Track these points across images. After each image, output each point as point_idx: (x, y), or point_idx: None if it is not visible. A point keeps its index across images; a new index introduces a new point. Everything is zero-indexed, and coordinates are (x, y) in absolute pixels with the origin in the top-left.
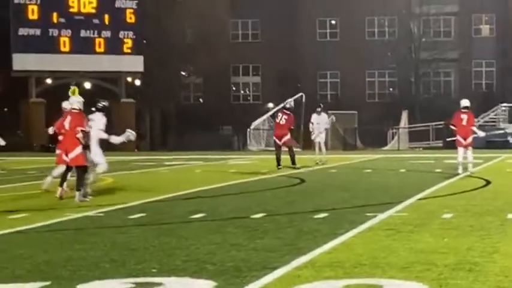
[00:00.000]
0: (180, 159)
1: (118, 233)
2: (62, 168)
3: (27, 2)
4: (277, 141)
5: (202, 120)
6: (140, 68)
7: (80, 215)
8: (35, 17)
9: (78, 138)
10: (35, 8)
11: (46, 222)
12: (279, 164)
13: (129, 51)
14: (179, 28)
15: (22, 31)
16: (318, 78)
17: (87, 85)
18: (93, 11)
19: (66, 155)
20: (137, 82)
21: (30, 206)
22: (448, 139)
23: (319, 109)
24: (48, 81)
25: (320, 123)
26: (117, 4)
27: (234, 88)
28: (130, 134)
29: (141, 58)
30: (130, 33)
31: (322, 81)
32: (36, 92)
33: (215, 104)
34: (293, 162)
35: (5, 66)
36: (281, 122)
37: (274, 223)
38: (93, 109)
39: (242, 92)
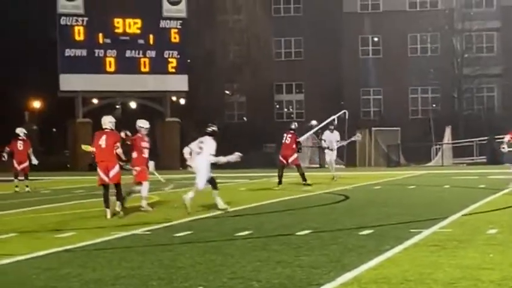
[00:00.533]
0: (225, 177)
1: (165, 251)
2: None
3: (74, 24)
4: (282, 160)
5: (246, 138)
6: (185, 87)
7: (127, 233)
8: (81, 38)
9: (117, 154)
10: (81, 29)
11: (94, 241)
12: (280, 182)
13: (173, 70)
14: (223, 47)
15: (69, 52)
16: (360, 95)
17: (133, 105)
18: (138, 31)
19: (107, 174)
20: (182, 101)
21: (77, 225)
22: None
23: (332, 127)
24: (95, 101)
25: (332, 140)
26: (162, 24)
27: (277, 106)
28: (237, 156)
29: (185, 77)
30: (175, 53)
31: (365, 98)
32: (83, 112)
33: (259, 122)
34: (304, 179)
35: (52, 87)
36: (286, 142)
37: (319, 240)
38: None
39: (285, 109)
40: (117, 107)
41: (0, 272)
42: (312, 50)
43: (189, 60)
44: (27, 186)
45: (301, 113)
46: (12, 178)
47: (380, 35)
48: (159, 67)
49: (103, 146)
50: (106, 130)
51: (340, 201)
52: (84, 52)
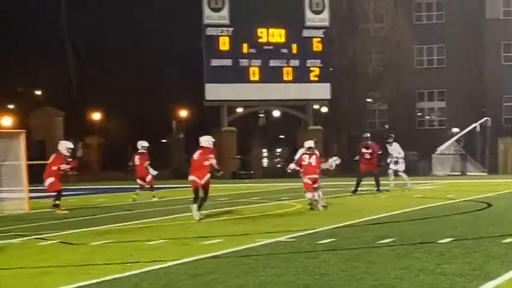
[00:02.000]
0: (366, 184)
1: (309, 257)
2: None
3: (219, 34)
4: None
5: None
6: (327, 95)
7: (271, 240)
8: (226, 48)
9: (211, 165)
10: (226, 39)
11: (238, 248)
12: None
13: (316, 79)
14: (364, 55)
15: (214, 62)
16: (503, 102)
17: (276, 113)
18: (282, 40)
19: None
20: (324, 109)
21: (222, 231)
22: None
23: (390, 140)
24: (239, 110)
25: (392, 152)
26: (305, 33)
27: (419, 113)
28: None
29: (327, 86)
30: (318, 62)
31: (507, 105)
32: (228, 120)
33: (400, 130)
34: (377, 185)
35: (198, 96)
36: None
37: (461, 248)
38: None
39: (427, 117)
40: (261, 115)
41: (152, 276)
42: (454, 57)
43: (331, 69)
44: (154, 196)
45: (443, 120)
46: (148, 187)
47: None
48: (301, 76)
49: (195, 158)
50: (203, 146)
51: (482, 209)
52: (229, 62)
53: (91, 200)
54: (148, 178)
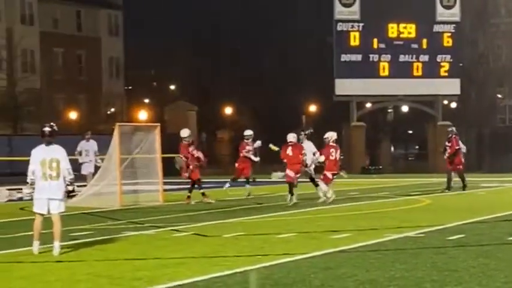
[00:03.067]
0: (496, 181)
1: (438, 253)
2: None
3: (350, 29)
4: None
5: None
6: (457, 91)
7: (400, 235)
8: (357, 43)
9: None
10: (357, 34)
11: (367, 242)
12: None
13: (445, 74)
14: (495, 50)
15: (344, 57)
16: None
17: (405, 108)
18: (412, 36)
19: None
20: (453, 105)
21: (351, 226)
22: None
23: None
24: (368, 105)
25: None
26: (435, 28)
27: None
28: None
29: (457, 81)
30: (448, 57)
31: None
32: (357, 115)
33: None
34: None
35: (328, 91)
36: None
37: None
38: None
39: None
40: (389, 110)
41: (283, 269)
42: None
43: (461, 64)
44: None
45: None
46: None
47: None
48: (431, 71)
49: (290, 154)
50: (290, 143)
51: None
52: (359, 57)
53: (222, 193)
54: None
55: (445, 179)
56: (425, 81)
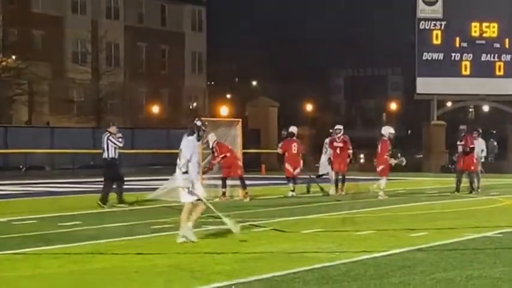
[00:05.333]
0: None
1: None
2: None
3: (432, 28)
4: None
5: None
6: None
7: (478, 235)
8: (439, 42)
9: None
10: (439, 33)
11: (445, 241)
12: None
13: None
14: None
15: (426, 56)
16: None
17: (485, 108)
18: (494, 35)
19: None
20: None
21: (429, 225)
22: None
23: (475, 133)
24: (448, 104)
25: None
26: None
27: None
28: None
29: None
30: None
31: None
32: (438, 114)
33: None
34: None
35: (409, 89)
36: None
37: None
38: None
39: None
40: (470, 110)
41: (360, 266)
42: None
43: None
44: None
45: None
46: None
47: None
48: None
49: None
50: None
51: None
52: (441, 56)
53: (301, 189)
54: (297, 171)
55: None
56: (508, 81)
